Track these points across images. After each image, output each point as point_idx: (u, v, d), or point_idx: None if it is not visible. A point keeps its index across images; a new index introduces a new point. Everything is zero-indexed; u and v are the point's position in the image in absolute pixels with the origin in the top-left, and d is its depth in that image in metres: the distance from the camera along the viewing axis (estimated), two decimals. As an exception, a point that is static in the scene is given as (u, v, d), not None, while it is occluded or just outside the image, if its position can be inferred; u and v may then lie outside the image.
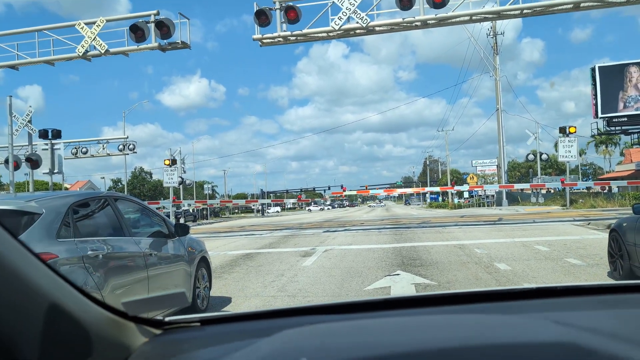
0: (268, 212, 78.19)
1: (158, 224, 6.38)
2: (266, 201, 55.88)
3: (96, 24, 18.63)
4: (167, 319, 1.01)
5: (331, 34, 17.52)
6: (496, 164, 53.84)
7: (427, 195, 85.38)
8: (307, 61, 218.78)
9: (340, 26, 16.86)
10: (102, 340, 0.73)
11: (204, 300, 6.85)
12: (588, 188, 41.18)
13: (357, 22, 16.84)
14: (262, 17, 16.88)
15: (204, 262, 7.09)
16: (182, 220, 41.45)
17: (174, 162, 34.07)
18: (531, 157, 41.29)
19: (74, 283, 0.72)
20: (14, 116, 21.16)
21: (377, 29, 17.31)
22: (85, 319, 0.70)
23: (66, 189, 49.29)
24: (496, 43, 46.47)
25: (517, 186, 35.80)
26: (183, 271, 6.26)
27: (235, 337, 0.92)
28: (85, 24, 18.75)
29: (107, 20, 18.79)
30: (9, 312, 0.56)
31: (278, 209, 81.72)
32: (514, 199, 46.47)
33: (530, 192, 42.84)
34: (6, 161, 21.88)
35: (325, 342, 0.85)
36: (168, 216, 34.22)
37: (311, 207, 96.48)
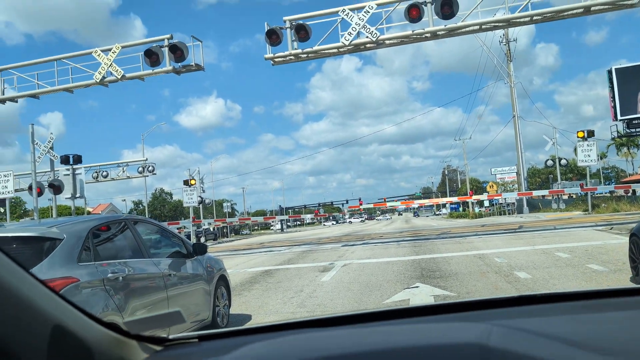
0: (271, 229, 78.72)
1: (176, 245, 6.49)
2: (284, 217, 56.00)
3: (112, 50, 19.06)
4: (170, 336, 1.09)
5: (342, 50, 17.69)
6: (515, 171, 53.38)
7: (447, 205, 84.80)
8: (320, 77, 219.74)
9: (351, 41, 17.02)
10: (104, 357, 0.81)
11: (224, 318, 6.92)
12: (611, 192, 40.51)
13: (367, 37, 16.99)
14: (273, 37, 17.13)
15: (223, 280, 7.16)
16: (202, 239, 41.77)
17: (193, 182, 34.40)
18: (550, 162, 40.85)
19: (77, 304, 0.80)
20: (36, 143, 21.66)
21: (387, 42, 17.44)
22: (88, 338, 0.78)
23: (88, 212, 50.04)
24: (509, 50, 46.34)
25: (536, 193, 35.36)
26: (202, 290, 6.34)
27: (228, 352, 0.99)
28: (102, 51, 19.21)
29: (123, 47, 19.22)
30: (15, 332, 0.64)
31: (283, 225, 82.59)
32: (535, 205, 45.96)
33: (551, 198, 42.35)
34: (30, 188, 22.35)
35: (282, 349, 0.92)
36: (189, 236, 34.54)
37: (352, 220, 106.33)
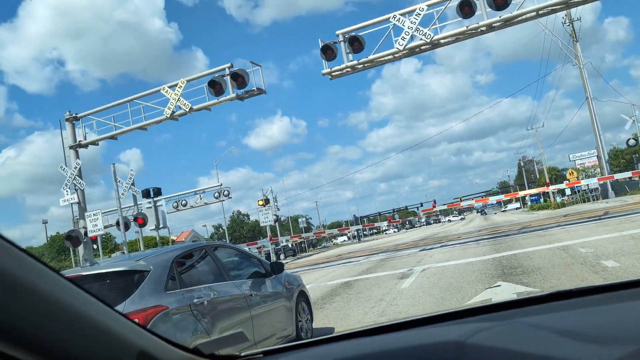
0: (335, 241, 78.37)
1: (255, 265, 6.76)
2: (359, 227, 55.99)
3: (178, 85, 20.03)
4: (242, 353, 1.26)
5: (397, 55, 17.68)
6: (596, 154, 50.69)
7: (527, 198, 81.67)
8: (380, 83, 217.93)
9: (405, 46, 16.99)
10: None
11: (308, 333, 7.10)
12: None
13: (421, 39, 16.90)
14: (328, 52, 17.40)
15: (303, 296, 7.35)
16: (282, 257, 42.54)
17: (267, 201, 35.19)
18: (632, 142, 38.51)
19: (154, 331, 0.96)
20: (119, 181, 23.01)
21: (442, 41, 17.26)
22: None
23: (173, 241, 52.24)
24: (574, 30, 44.31)
25: (618, 176, 33.22)
26: (283, 307, 6.55)
27: None
28: (169, 87, 20.22)
29: (187, 81, 20.15)
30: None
31: (345, 237, 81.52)
32: (621, 188, 43.43)
33: (638, 179, 39.87)
34: (117, 223, 23.72)
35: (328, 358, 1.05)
36: (269, 254, 35.31)
37: (451, 218, 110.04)
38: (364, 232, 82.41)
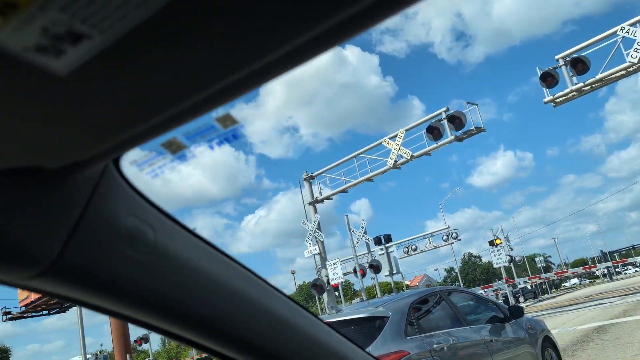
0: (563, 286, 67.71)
1: (492, 309, 6.62)
2: (608, 264, 49.61)
3: (397, 135, 20.88)
4: None
5: (631, 70, 15.85)
6: None
7: None
8: (615, 100, 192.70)
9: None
10: None
11: (559, 382, 6.64)
12: None
13: (660, 46, 14.96)
14: (549, 79, 16.44)
15: (549, 341, 6.94)
16: (520, 299, 39.93)
17: (498, 241, 33.77)
18: None
19: None
20: (353, 231, 24.53)
21: (688, 44, 15.01)
22: None
23: (407, 286, 52.97)
24: None
25: None
26: (528, 354, 6.26)
27: None
28: (389, 138, 21.19)
29: (406, 130, 20.87)
30: None
31: (575, 280, 68.72)
32: None
33: None
34: (354, 271, 25.15)
35: None
36: (506, 297, 33.51)
37: None
38: (616, 270, 72.57)
